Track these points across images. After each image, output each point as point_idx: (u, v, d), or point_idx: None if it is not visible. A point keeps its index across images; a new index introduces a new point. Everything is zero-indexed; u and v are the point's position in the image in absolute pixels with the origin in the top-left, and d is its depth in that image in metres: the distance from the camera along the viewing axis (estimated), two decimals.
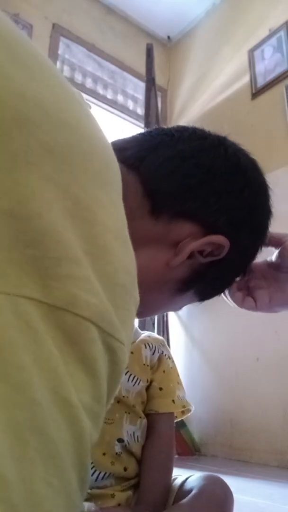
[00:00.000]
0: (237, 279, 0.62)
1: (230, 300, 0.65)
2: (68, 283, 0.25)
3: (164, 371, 0.81)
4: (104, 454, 0.71)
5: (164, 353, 0.83)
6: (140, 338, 0.83)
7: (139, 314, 0.61)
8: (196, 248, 0.49)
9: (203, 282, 0.54)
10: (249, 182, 0.54)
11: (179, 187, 0.49)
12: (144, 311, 0.57)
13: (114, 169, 0.33)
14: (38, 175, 0.26)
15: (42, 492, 0.22)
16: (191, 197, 0.49)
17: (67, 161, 0.28)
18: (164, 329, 2.93)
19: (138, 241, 0.45)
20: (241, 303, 0.65)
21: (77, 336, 0.25)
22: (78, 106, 0.32)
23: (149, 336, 0.85)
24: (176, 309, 0.59)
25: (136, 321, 0.90)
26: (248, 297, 0.65)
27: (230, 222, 0.51)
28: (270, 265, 0.64)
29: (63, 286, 0.25)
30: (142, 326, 2.18)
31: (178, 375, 0.85)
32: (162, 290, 0.52)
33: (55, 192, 0.26)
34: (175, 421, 0.82)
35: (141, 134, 0.56)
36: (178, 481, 0.74)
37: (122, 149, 0.50)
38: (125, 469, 0.72)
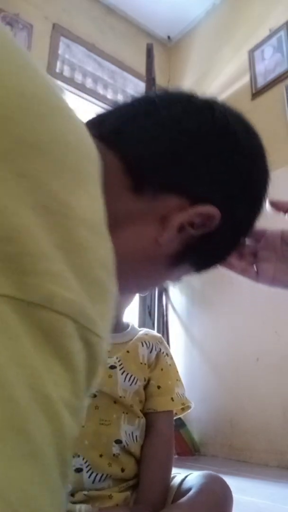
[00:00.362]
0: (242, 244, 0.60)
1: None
2: (43, 279, 0.25)
3: (162, 369, 0.80)
4: (101, 455, 0.70)
5: (161, 351, 0.82)
6: (137, 336, 0.82)
7: (140, 290, 0.59)
8: (184, 221, 0.45)
9: (197, 255, 0.51)
10: (240, 145, 0.50)
11: (160, 156, 0.45)
12: (142, 287, 0.56)
13: (92, 159, 0.32)
14: (10, 169, 0.25)
15: (29, 491, 0.22)
16: (174, 165, 0.45)
17: (44, 154, 0.28)
18: (164, 329, 2.92)
19: (124, 221, 0.43)
20: (242, 271, 0.61)
21: (55, 332, 0.25)
22: (57, 98, 0.31)
23: (146, 334, 0.84)
24: (173, 280, 0.56)
25: (136, 320, 0.89)
26: (251, 266, 0.61)
27: (220, 190, 0.47)
28: (284, 239, 0.60)
29: (39, 282, 0.25)
30: (142, 325, 2.18)
31: (177, 372, 0.83)
32: (156, 266, 0.49)
33: (28, 187, 0.26)
34: (175, 418, 0.81)
35: (124, 104, 0.52)
36: (177, 480, 0.73)
37: (101, 122, 0.48)
38: (122, 470, 0.72)
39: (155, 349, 0.81)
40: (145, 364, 0.79)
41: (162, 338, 0.86)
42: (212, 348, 2.69)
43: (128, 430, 0.73)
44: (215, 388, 2.56)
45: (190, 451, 2.45)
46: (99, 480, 0.69)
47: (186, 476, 0.72)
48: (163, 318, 3.00)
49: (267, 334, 2.36)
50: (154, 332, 0.88)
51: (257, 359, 2.37)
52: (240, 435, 2.35)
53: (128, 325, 0.85)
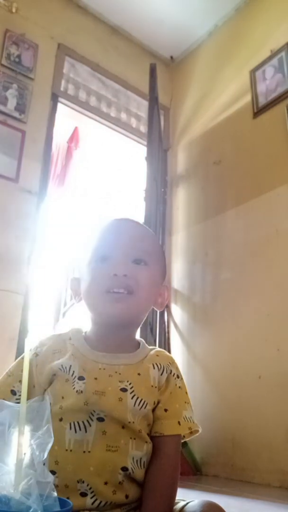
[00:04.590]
0: None
1: None
2: None
3: (171, 393, 0.78)
4: (105, 483, 0.68)
5: (172, 373, 0.80)
6: (148, 356, 0.80)
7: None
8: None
9: None
10: None
11: None
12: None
13: None
14: None
15: None
16: None
17: None
18: (165, 346, 2.91)
19: None
20: None
21: None
22: None
23: (157, 355, 0.82)
24: None
25: (137, 336, 0.88)
26: None
27: None
28: None
29: None
30: None
31: (186, 394, 0.80)
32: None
33: None
34: (182, 441, 0.79)
35: None
36: (177, 507, 0.71)
37: None
38: (126, 497, 0.69)
39: (166, 371, 0.79)
40: (155, 387, 0.76)
41: (173, 359, 0.83)
42: (214, 366, 2.67)
43: (136, 456, 0.71)
44: (216, 406, 2.54)
45: (191, 471, 2.42)
46: (103, 506, 0.68)
47: (188, 503, 0.71)
48: (164, 335, 2.98)
49: (269, 351, 2.34)
50: (166, 352, 0.84)
51: (259, 377, 2.35)
52: (242, 455, 2.31)
53: (139, 344, 0.83)
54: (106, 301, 0.76)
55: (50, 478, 0.46)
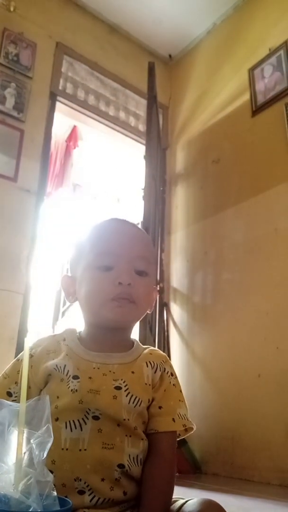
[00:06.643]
0: None
1: None
2: None
3: (165, 390, 0.79)
4: (102, 480, 0.68)
5: (166, 370, 0.81)
6: (141, 355, 0.81)
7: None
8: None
9: None
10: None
11: None
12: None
13: None
14: None
15: None
16: None
17: None
18: (164, 345, 2.91)
19: None
20: None
21: None
22: None
23: (151, 354, 0.83)
24: None
25: (136, 335, 0.89)
26: None
27: None
28: None
29: None
30: (143, 340, 2.16)
31: (181, 392, 0.81)
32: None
33: None
34: (177, 439, 0.80)
35: None
36: (176, 505, 0.71)
37: None
38: (124, 494, 0.70)
39: (160, 369, 0.80)
40: (149, 385, 0.77)
41: (167, 357, 0.84)
42: (213, 364, 2.68)
43: (133, 454, 0.72)
44: (216, 404, 2.54)
45: (191, 469, 2.42)
46: (102, 503, 0.68)
47: (187, 501, 0.71)
48: (164, 333, 2.99)
49: (268, 350, 2.34)
50: (159, 351, 0.86)
51: (259, 375, 2.35)
52: (241, 453, 2.32)
53: (133, 343, 0.84)
54: (111, 307, 0.77)
55: (50, 477, 0.46)
